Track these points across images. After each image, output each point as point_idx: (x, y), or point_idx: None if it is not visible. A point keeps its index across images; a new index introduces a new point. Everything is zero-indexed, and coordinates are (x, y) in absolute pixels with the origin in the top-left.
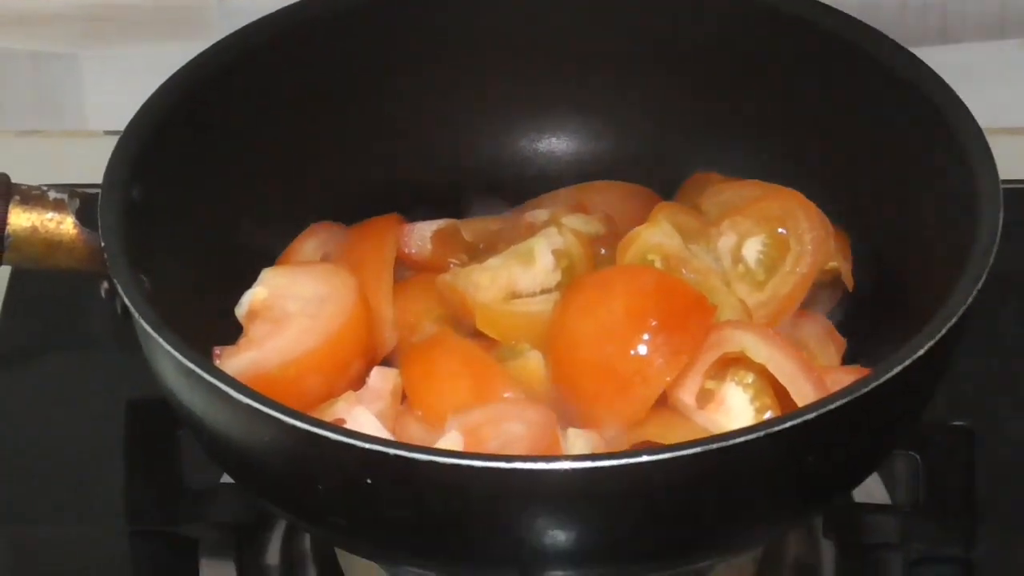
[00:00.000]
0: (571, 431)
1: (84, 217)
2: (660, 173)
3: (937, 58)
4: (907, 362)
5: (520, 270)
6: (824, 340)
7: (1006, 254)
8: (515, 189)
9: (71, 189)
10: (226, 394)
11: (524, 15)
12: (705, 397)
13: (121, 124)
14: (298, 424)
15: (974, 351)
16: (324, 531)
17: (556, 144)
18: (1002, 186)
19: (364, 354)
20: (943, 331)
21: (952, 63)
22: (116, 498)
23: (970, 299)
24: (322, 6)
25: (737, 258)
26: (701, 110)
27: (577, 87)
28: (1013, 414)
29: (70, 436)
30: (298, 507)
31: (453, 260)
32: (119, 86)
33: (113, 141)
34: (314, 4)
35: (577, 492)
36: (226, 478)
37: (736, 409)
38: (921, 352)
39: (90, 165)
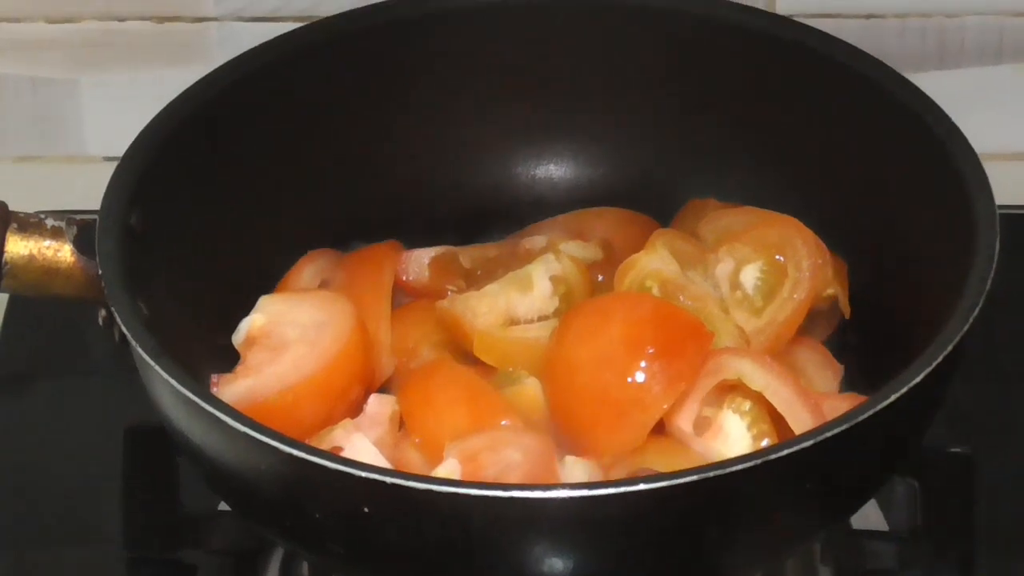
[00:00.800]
0: (568, 459)
1: (82, 244)
2: (658, 200)
3: (935, 83)
4: (903, 390)
5: (518, 297)
6: (821, 366)
7: (1005, 280)
8: (513, 216)
9: (68, 217)
10: (223, 422)
11: (522, 43)
12: (702, 424)
13: (120, 150)
14: (294, 452)
15: (973, 377)
16: (322, 559)
17: (554, 171)
18: (999, 212)
19: (362, 381)
20: (939, 359)
21: (950, 88)
22: (114, 525)
23: (966, 326)
24: (320, 34)
25: (735, 284)
26: (699, 137)
27: (575, 114)
28: (1012, 441)
29: (68, 462)
30: (295, 535)
31: (451, 287)
32: (118, 112)
33: (112, 167)
34: (312, 31)
35: (575, 520)
36: (224, 505)
37: (733, 436)
38: (918, 379)
39: (89, 191)
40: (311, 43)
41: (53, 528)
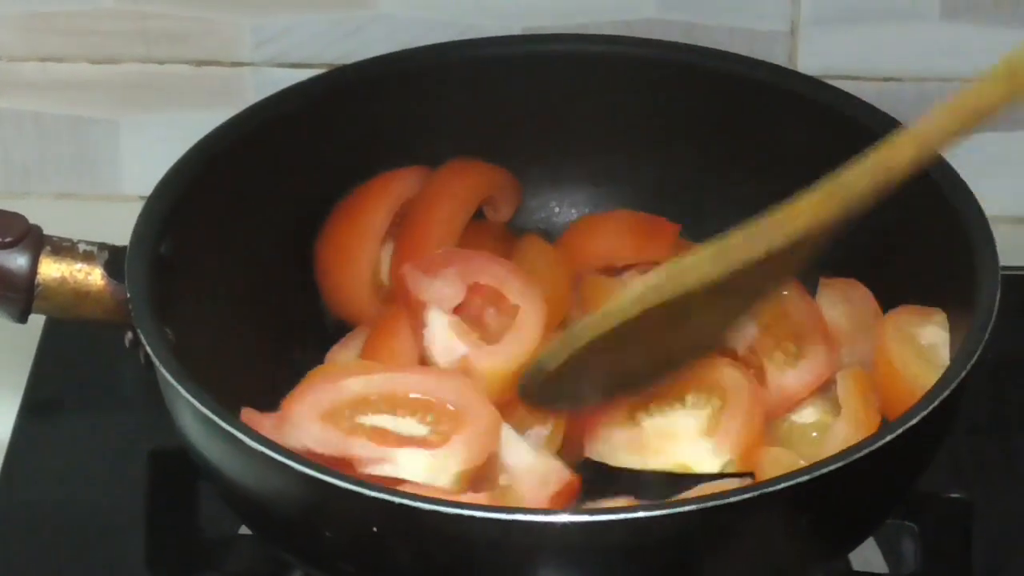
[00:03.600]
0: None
1: (112, 269)
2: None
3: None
4: (900, 430)
5: None
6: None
7: (1008, 333)
8: None
9: (101, 243)
10: (241, 441)
11: (543, 95)
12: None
13: None
14: (307, 471)
15: (973, 425)
16: None
17: (564, 213)
18: (1008, 273)
19: None
20: (936, 402)
21: (964, 152)
22: (138, 547)
23: (964, 372)
24: (349, 77)
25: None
26: (709, 184)
27: (584, 158)
28: (1012, 487)
29: (96, 485)
30: (309, 555)
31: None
32: (155, 152)
33: None
34: (342, 74)
35: (577, 545)
36: (244, 529)
37: None
38: (914, 421)
39: (124, 228)
40: (339, 86)
41: (78, 550)
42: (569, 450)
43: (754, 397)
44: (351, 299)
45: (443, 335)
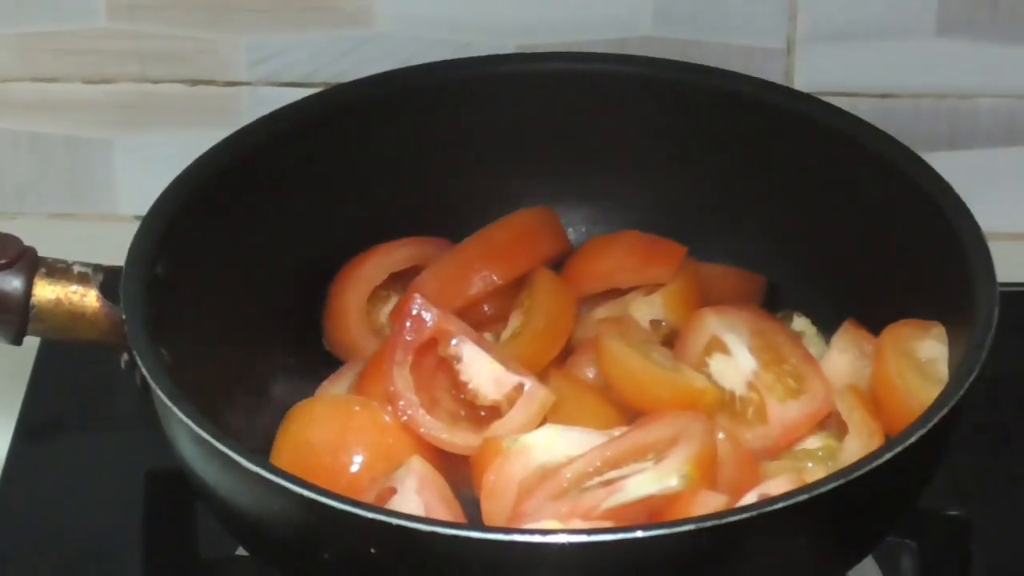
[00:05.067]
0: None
1: (107, 291)
2: None
3: (946, 163)
4: (899, 449)
5: None
6: None
7: (1007, 350)
8: None
9: (95, 264)
10: (237, 463)
11: (539, 112)
12: None
13: None
14: (304, 493)
15: (972, 442)
16: None
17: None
18: (1009, 289)
19: None
20: (935, 420)
21: (961, 168)
22: (135, 569)
23: (962, 391)
24: (345, 96)
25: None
26: (707, 203)
27: (583, 177)
28: (1010, 504)
29: (91, 507)
30: None
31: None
32: (150, 172)
33: None
34: (338, 93)
35: (574, 565)
36: (240, 550)
37: None
38: (913, 439)
39: (119, 249)
40: (333, 106)
41: (74, 573)
42: None
43: (706, 425)
44: (345, 334)
45: (487, 367)
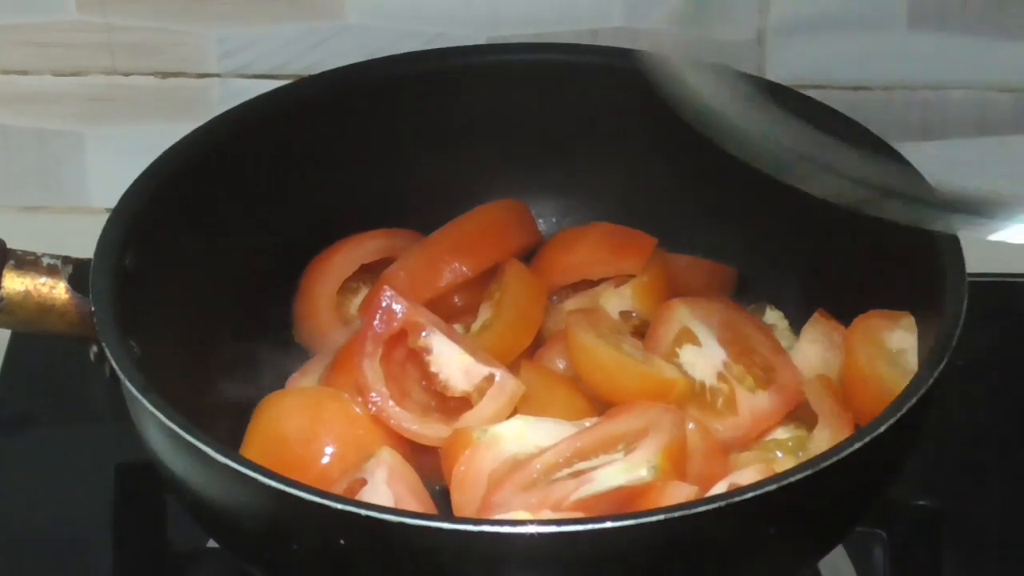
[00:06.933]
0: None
1: (77, 283)
2: None
3: (918, 153)
4: (867, 439)
5: None
6: None
7: (977, 341)
8: None
9: (64, 256)
10: (206, 455)
11: (510, 104)
12: None
13: None
14: (273, 484)
15: (942, 432)
16: None
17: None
18: (977, 279)
19: None
20: (904, 409)
21: (932, 158)
22: (106, 561)
23: (931, 379)
24: (316, 87)
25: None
26: (677, 195)
27: (553, 168)
28: (981, 494)
29: (62, 499)
30: (277, 568)
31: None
32: (121, 164)
33: None
34: (308, 84)
35: (543, 555)
36: (211, 542)
37: None
38: (882, 429)
39: (91, 241)
40: (303, 98)
41: (46, 565)
42: None
43: (676, 417)
44: (315, 325)
45: (457, 358)
